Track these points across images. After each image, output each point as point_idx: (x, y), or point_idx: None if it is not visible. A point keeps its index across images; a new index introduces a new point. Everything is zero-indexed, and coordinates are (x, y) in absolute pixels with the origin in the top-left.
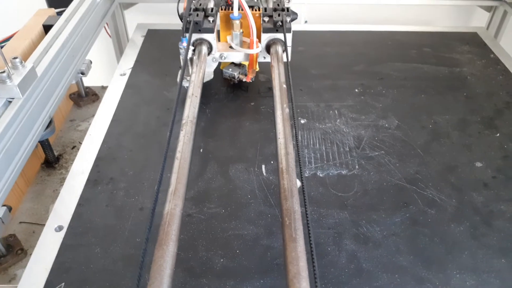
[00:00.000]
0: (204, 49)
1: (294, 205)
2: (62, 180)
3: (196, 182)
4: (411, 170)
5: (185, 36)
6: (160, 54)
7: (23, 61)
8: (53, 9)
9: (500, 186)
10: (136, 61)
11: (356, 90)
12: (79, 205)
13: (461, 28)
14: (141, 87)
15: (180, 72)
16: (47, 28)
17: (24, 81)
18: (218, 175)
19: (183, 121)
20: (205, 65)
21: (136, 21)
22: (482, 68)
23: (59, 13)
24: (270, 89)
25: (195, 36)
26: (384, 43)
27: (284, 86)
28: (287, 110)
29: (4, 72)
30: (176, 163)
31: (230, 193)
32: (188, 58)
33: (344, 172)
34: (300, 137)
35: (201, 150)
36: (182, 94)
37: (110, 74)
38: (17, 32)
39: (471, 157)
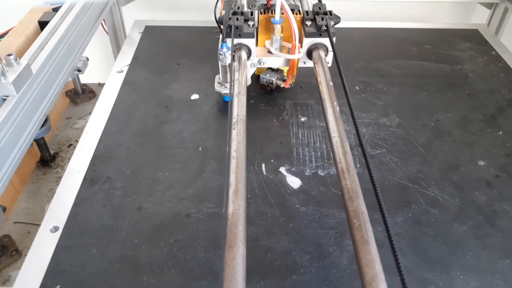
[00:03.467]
0: (244, 54)
1: (361, 206)
2: (58, 179)
3: (194, 181)
4: (413, 168)
5: (225, 41)
6: (157, 50)
7: (18, 58)
8: (49, 5)
9: (503, 185)
10: (134, 58)
11: (357, 88)
12: (75, 204)
13: (462, 25)
14: (139, 84)
15: (216, 77)
16: (42, 24)
17: (18, 78)
18: (217, 175)
19: (234, 120)
20: (246, 70)
21: (133, 18)
22: (483, 66)
23: (55, 9)
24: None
25: (234, 41)
26: (384, 40)
27: (331, 83)
28: (337, 108)
29: None
30: (233, 163)
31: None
32: (227, 64)
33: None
34: (300, 135)
35: (200, 149)
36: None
37: (107, 71)
38: (12, 28)
39: (474, 155)
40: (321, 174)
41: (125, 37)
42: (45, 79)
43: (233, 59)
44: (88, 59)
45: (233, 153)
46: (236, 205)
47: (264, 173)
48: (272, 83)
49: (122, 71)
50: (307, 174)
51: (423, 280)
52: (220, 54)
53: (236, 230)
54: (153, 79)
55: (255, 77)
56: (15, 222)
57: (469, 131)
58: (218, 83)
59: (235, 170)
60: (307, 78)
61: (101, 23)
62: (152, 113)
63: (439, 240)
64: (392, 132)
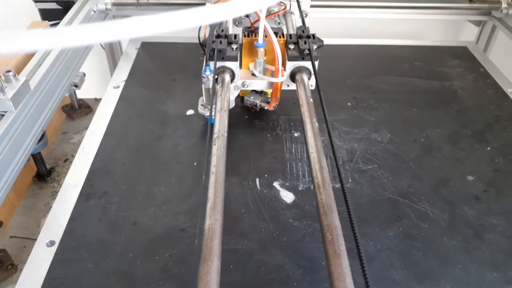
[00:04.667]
0: (227, 77)
1: (334, 220)
2: (54, 193)
3: (189, 196)
4: (404, 184)
5: (208, 65)
6: (154, 67)
7: (17, 74)
8: (47, 21)
9: (491, 200)
10: (130, 74)
11: (349, 104)
12: (71, 219)
13: (452, 42)
14: (135, 100)
15: (200, 100)
16: None
17: (17, 94)
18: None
19: (215, 136)
20: (229, 93)
21: None
22: (472, 82)
23: (53, 26)
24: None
25: (218, 64)
26: (376, 57)
27: (311, 100)
28: (316, 124)
29: None
30: (212, 178)
31: (224, 206)
32: (210, 86)
33: (337, 186)
34: (293, 151)
35: (195, 164)
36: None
37: (103, 86)
38: None
39: (463, 170)
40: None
41: (122, 53)
42: (42, 94)
43: (216, 81)
44: (85, 74)
45: (213, 168)
46: (213, 220)
47: (258, 187)
48: (256, 105)
49: (118, 87)
50: (300, 188)
51: None
52: (203, 77)
53: (211, 245)
54: (149, 94)
55: (240, 99)
56: (11, 237)
57: (459, 147)
58: (202, 105)
59: (213, 185)
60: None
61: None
62: (148, 128)
63: (429, 254)
64: (383, 147)
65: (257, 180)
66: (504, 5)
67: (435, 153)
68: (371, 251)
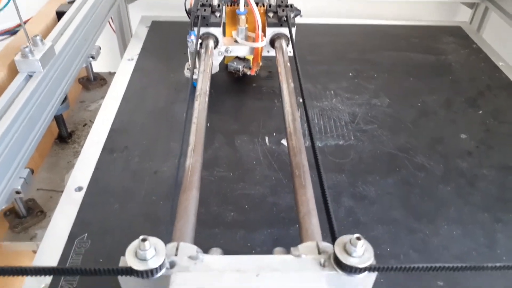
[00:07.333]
0: (211, 43)
1: (302, 160)
2: (76, 153)
3: (205, 151)
4: (402, 140)
5: (193, 30)
6: (165, 42)
7: (43, 39)
8: None
9: (483, 155)
10: (142, 49)
11: (350, 74)
12: (96, 169)
13: (446, 22)
14: (149, 71)
15: (186, 64)
16: (60, 14)
17: (44, 56)
18: (225, 145)
19: (197, 93)
20: (212, 58)
21: (139, 16)
22: (465, 56)
23: (70, 2)
24: (270, 72)
25: (202, 30)
26: (375, 35)
27: (288, 64)
28: (292, 84)
29: (27, 47)
30: (194, 127)
31: (237, 160)
32: (195, 51)
33: (340, 142)
34: (299, 113)
35: (208, 124)
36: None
37: (115, 63)
38: (31, 18)
39: (456, 130)
40: (319, 145)
41: (131, 35)
42: (66, 59)
43: (200, 46)
44: (100, 48)
45: (194, 119)
46: (193, 160)
47: (267, 144)
48: (238, 71)
49: (132, 59)
50: (306, 145)
51: (412, 229)
52: (188, 41)
53: (192, 178)
54: (162, 66)
55: (224, 67)
56: (38, 189)
57: (453, 111)
58: (188, 69)
59: (195, 132)
60: (303, 66)
61: (109, 21)
62: (163, 94)
63: (426, 198)
64: (382, 111)
65: (266, 138)
66: None
67: (431, 115)
68: (373, 195)
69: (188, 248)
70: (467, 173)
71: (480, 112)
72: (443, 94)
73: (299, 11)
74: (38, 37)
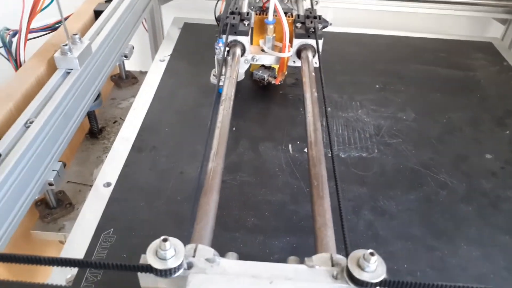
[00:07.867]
0: (238, 50)
1: (322, 171)
2: (105, 149)
3: (229, 155)
4: (426, 157)
5: (221, 37)
6: (196, 45)
7: (81, 38)
8: None
9: (508, 176)
10: (174, 50)
11: (377, 86)
12: (125, 166)
13: (477, 37)
14: (179, 72)
15: (212, 71)
16: (97, 13)
17: (82, 54)
18: (249, 150)
19: (222, 98)
20: (238, 65)
21: (171, 17)
22: (495, 74)
23: (107, 1)
24: (297, 79)
25: (230, 38)
26: (403, 47)
27: (313, 74)
28: (315, 94)
29: (66, 45)
30: (217, 131)
31: (260, 165)
32: (222, 58)
33: (364, 154)
34: (324, 123)
35: (234, 129)
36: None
37: (147, 63)
38: (70, 15)
39: (482, 149)
40: (342, 156)
41: (163, 36)
42: (101, 58)
43: (228, 54)
44: (133, 47)
45: (218, 124)
46: (215, 163)
47: (291, 152)
48: (263, 79)
49: (164, 60)
50: (328, 155)
51: (431, 247)
52: (216, 48)
53: (212, 182)
54: (192, 68)
55: (250, 74)
56: (68, 182)
57: (479, 129)
58: (214, 75)
59: (218, 136)
60: (331, 75)
61: (142, 22)
62: (191, 97)
63: (446, 216)
64: (407, 125)
65: (290, 146)
66: None
67: (456, 132)
68: (393, 210)
69: (205, 250)
70: (490, 194)
71: (507, 132)
72: (470, 112)
73: (327, 22)
74: (77, 36)
